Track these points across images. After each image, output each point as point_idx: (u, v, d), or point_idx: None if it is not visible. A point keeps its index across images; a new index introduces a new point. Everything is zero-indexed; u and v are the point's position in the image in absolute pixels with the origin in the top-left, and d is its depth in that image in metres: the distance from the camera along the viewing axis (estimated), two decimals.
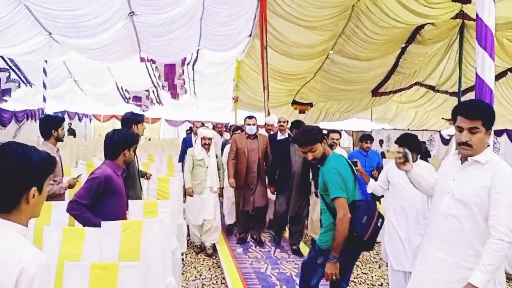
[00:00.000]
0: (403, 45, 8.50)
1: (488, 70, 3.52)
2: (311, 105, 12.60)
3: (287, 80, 11.11)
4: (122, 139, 2.87)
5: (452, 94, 9.66)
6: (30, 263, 1.24)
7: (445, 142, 12.91)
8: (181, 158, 7.00)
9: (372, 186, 3.70)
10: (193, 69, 12.98)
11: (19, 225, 1.33)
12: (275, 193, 5.40)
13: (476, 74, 3.58)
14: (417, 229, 3.50)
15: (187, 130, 12.10)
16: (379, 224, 2.73)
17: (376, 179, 4.47)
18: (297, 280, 4.55)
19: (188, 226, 5.25)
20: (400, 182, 3.57)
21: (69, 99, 15.68)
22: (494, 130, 3.49)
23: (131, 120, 3.80)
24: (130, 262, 1.95)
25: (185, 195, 5.36)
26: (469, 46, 7.81)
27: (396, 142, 4.90)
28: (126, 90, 15.60)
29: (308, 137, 2.76)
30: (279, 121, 6.07)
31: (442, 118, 11.86)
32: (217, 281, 4.47)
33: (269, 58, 8.27)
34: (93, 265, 1.88)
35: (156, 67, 12.81)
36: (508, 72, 8.32)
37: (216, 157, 5.36)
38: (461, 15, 7.32)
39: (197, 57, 11.69)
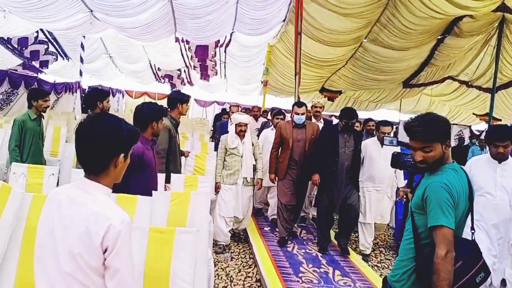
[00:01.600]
0: (439, 37, 8.39)
1: None
2: (340, 92, 12.60)
3: (318, 66, 11.10)
4: (151, 112, 3.08)
5: (486, 90, 9.52)
6: (116, 220, 1.43)
7: (475, 137, 12.76)
8: (216, 147, 6.39)
9: None
10: (225, 51, 13.15)
11: (106, 187, 1.55)
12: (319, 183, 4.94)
13: None
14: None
15: (218, 114, 11.64)
16: (477, 280, 1.95)
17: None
18: (323, 260, 4.75)
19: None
20: (488, 188, 3.32)
21: (104, 74, 16.12)
22: None
23: (177, 99, 4.02)
24: (185, 228, 2.18)
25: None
26: (507, 41, 7.66)
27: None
28: (158, 69, 15.91)
29: (428, 129, 1.99)
30: (315, 106, 5.81)
31: (473, 114, 11.70)
32: (245, 255, 4.73)
33: (302, 43, 8.33)
34: (152, 229, 2.11)
35: (189, 48, 13.01)
36: None
37: (252, 145, 4.98)
38: (502, 7, 7.12)
39: (230, 39, 11.82)
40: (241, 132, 4.79)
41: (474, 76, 9.80)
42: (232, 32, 11.21)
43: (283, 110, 6.90)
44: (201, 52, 12.97)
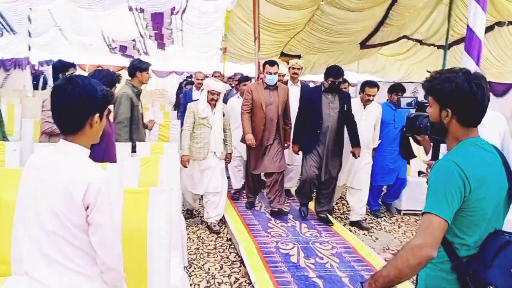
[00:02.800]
0: None
1: (479, 22, 3.73)
2: (299, 57, 12.65)
3: (276, 31, 11.07)
4: (102, 78, 3.03)
5: (439, 47, 9.87)
6: (95, 177, 1.49)
7: None
8: (182, 116, 5.90)
9: None
10: (181, 18, 12.81)
11: (83, 147, 1.60)
12: (300, 153, 4.76)
13: (468, 25, 3.80)
14: None
15: (182, 82, 11.32)
16: None
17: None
18: (290, 216, 4.92)
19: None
20: None
21: (54, 48, 15.35)
22: None
23: (136, 67, 3.95)
24: (159, 188, 2.22)
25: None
26: None
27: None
28: (112, 40, 15.33)
29: (430, 80, 1.65)
30: (292, 68, 5.40)
31: (427, 71, 12.11)
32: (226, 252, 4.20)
33: (260, 8, 8.27)
34: (126, 191, 2.14)
35: (143, 17, 12.59)
36: (496, 26, 8.52)
37: (224, 116, 4.59)
38: None
39: (186, 6, 11.53)
40: (212, 101, 4.37)
41: (428, 35, 10.10)
42: None
43: (249, 77, 6.34)
44: (157, 20, 12.60)
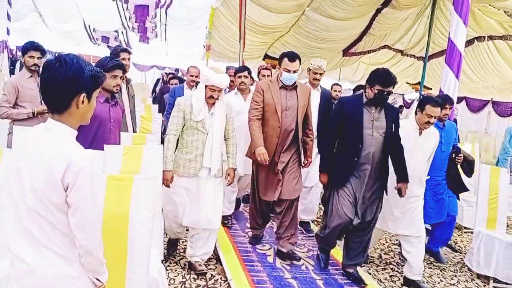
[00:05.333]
0: (379, 7, 8.73)
1: (460, 35, 3.86)
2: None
3: (261, 32, 11.13)
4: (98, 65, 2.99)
5: (419, 58, 10.14)
6: (76, 158, 1.48)
7: (407, 105, 13.62)
8: (168, 119, 4.62)
9: None
10: (166, 13, 12.73)
11: (69, 127, 1.58)
12: (328, 183, 3.65)
13: (449, 38, 3.92)
14: None
15: (165, 76, 10.73)
16: None
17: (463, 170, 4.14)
18: None
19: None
20: None
21: (33, 34, 14.96)
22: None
23: (117, 51, 3.92)
24: (143, 176, 2.20)
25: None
26: (440, 12, 8.18)
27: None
28: (93, 29, 15.07)
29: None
30: (314, 72, 4.44)
31: (407, 83, 12.41)
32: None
33: (246, 8, 8.31)
34: (110, 177, 2.11)
35: (127, 7, 12.43)
36: (475, 41, 8.81)
37: (226, 118, 3.48)
38: None
39: (172, 0, 11.47)
40: (211, 99, 3.30)
41: (409, 45, 10.37)
42: None
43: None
44: (141, 12, 12.45)
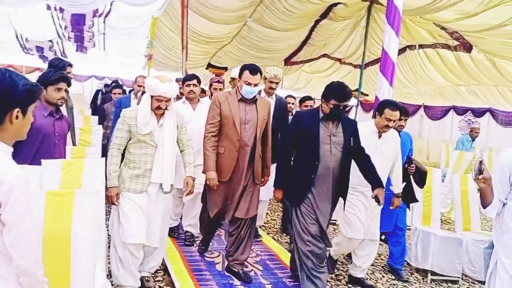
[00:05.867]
0: (318, 18, 9.07)
1: (393, 46, 4.12)
2: (226, 69, 12.82)
3: (204, 42, 11.16)
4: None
5: (356, 66, 10.63)
6: (8, 175, 1.42)
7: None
8: (111, 132, 4.37)
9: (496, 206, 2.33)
10: (104, 22, 12.39)
11: (4, 144, 1.52)
12: (284, 200, 3.54)
13: (383, 48, 4.17)
14: None
15: (107, 87, 10.23)
16: None
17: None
18: None
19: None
20: None
21: None
22: None
23: (55, 66, 3.80)
24: (85, 190, 2.14)
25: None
26: (374, 23, 8.67)
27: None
28: (26, 39, 14.30)
29: None
30: (270, 81, 4.40)
31: None
32: None
33: (188, 19, 8.32)
34: (49, 192, 2.03)
35: (62, 17, 11.95)
36: (407, 49, 9.39)
37: (178, 128, 3.30)
38: None
39: (110, 9, 11.19)
40: (159, 109, 3.07)
41: (347, 54, 10.84)
42: (113, 1, 10.63)
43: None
44: (77, 21, 12.02)
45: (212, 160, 3.44)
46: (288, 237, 5.11)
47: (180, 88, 4.44)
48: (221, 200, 3.57)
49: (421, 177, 4.32)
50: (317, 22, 9.47)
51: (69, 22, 12.07)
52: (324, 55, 11.31)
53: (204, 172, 3.52)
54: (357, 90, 8.90)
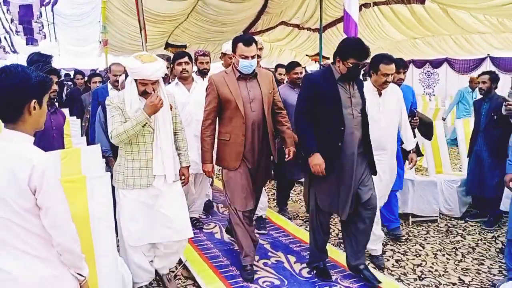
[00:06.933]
0: None
1: (353, 6, 4.32)
2: (185, 47, 12.70)
3: (159, 22, 10.97)
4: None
5: (315, 30, 10.81)
6: (38, 161, 1.54)
7: None
8: (93, 129, 3.73)
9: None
10: (52, 10, 11.93)
11: (26, 134, 1.62)
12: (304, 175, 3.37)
13: (344, 9, 4.37)
14: None
15: (65, 81, 9.89)
16: None
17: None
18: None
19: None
20: None
21: None
22: None
23: (40, 61, 3.75)
24: (95, 174, 2.24)
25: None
26: None
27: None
28: None
29: None
30: (228, 55, 4.16)
31: (306, 55, 13.13)
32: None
33: None
34: (62, 180, 2.12)
35: (8, 10, 11.41)
36: (363, 7, 9.55)
37: (171, 109, 2.92)
38: None
39: None
40: (146, 94, 2.72)
41: (304, 19, 10.98)
42: None
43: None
44: (24, 13, 11.51)
45: (208, 151, 3.23)
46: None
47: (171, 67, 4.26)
48: (243, 185, 3.23)
49: (426, 129, 4.23)
50: None
51: (16, 15, 11.54)
52: (282, 23, 11.40)
53: (202, 162, 3.29)
54: (318, 54, 9.08)
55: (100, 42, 12.78)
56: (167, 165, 2.78)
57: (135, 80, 2.70)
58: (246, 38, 3.15)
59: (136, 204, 2.77)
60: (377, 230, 3.59)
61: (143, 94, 2.72)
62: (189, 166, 3.14)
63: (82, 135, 4.75)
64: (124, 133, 2.58)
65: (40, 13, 11.87)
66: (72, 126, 4.73)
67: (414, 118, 3.91)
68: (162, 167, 2.76)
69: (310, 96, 2.98)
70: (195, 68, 4.43)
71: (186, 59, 4.00)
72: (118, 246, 2.82)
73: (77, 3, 11.39)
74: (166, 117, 2.79)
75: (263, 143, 3.24)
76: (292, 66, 4.57)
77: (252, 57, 3.08)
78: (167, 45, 12.67)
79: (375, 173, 3.16)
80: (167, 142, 2.79)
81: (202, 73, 4.38)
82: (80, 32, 13.17)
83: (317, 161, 2.91)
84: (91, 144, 3.46)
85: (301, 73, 4.45)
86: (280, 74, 5.61)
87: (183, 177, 3.06)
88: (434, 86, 13.11)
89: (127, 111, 2.68)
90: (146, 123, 2.62)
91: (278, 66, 6.08)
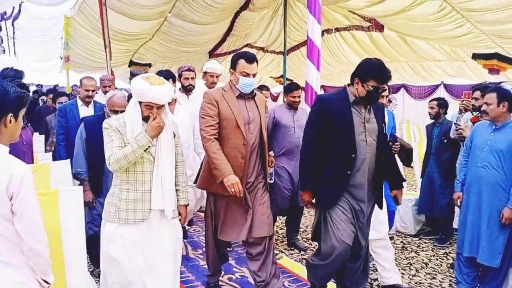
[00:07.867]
0: (237, 10, 9.39)
1: (316, 33, 4.55)
2: (149, 65, 12.70)
3: (124, 40, 10.98)
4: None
5: (279, 53, 11.14)
6: (17, 169, 1.61)
7: (274, 98, 14.75)
8: (62, 149, 3.67)
9: None
10: (12, 25, 11.71)
11: (2, 145, 1.68)
12: (311, 205, 3.02)
13: (307, 36, 4.58)
14: None
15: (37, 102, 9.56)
16: None
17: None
18: None
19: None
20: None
21: None
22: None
23: (9, 76, 3.75)
24: (68, 187, 2.27)
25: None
26: (292, 11, 9.18)
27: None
28: None
29: None
30: (211, 75, 4.32)
31: (271, 77, 13.43)
32: None
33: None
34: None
35: None
36: (325, 33, 9.97)
37: (174, 137, 2.56)
38: None
39: (19, 11, 10.61)
40: (149, 119, 2.40)
41: (269, 42, 11.30)
42: (22, 3, 10.10)
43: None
44: None
45: (224, 162, 2.80)
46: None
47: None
48: (231, 213, 2.96)
49: (406, 154, 4.17)
50: (237, 13, 9.77)
51: None
52: (247, 45, 11.66)
53: (219, 179, 2.82)
54: (282, 76, 9.36)
55: (62, 58, 12.60)
56: (167, 198, 2.43)
57: (139, 102, 2.38)
58: (249, 54, 2.96)
59: (123, 239, 2.34)
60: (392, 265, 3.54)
61: (147, 119, 2.39)
62: (187, 204, 2.73)
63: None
64: (124, 159, 2.27)
65: (0, 27, 11.64)
66: (36, 142, 4.65)
67: (395, 144, 3.60)
68: (161, 201, 2.40)
69: (321, 118, 2.75)
70: (178, 85, 4.26)
71: (170, 81, 3.50)
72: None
73: (39, 18, 11.22)
74: (169, 145, 2.47)
75: (260, 166, 3.03)
76: (291, 88, 4.32)
77: (254, 75, 2.93)
78: (131, 63, 12.63)
79: (381, 206, 2.96)
80: (169, 173, 2.46)
81: (187, 89, 4.19)
82: (41, 47, 12.94)
83: (306, 198, 2.84)
84: None
85: (298, 97, 4.23)
86: (266, 97, 5.16)
87: (179, 217, 2.64)
88: (393, 110, 13.70)
89: (127, 136, 2.36)
90: (149, 146, 2.34)
91: (262, 87, 5.76)
